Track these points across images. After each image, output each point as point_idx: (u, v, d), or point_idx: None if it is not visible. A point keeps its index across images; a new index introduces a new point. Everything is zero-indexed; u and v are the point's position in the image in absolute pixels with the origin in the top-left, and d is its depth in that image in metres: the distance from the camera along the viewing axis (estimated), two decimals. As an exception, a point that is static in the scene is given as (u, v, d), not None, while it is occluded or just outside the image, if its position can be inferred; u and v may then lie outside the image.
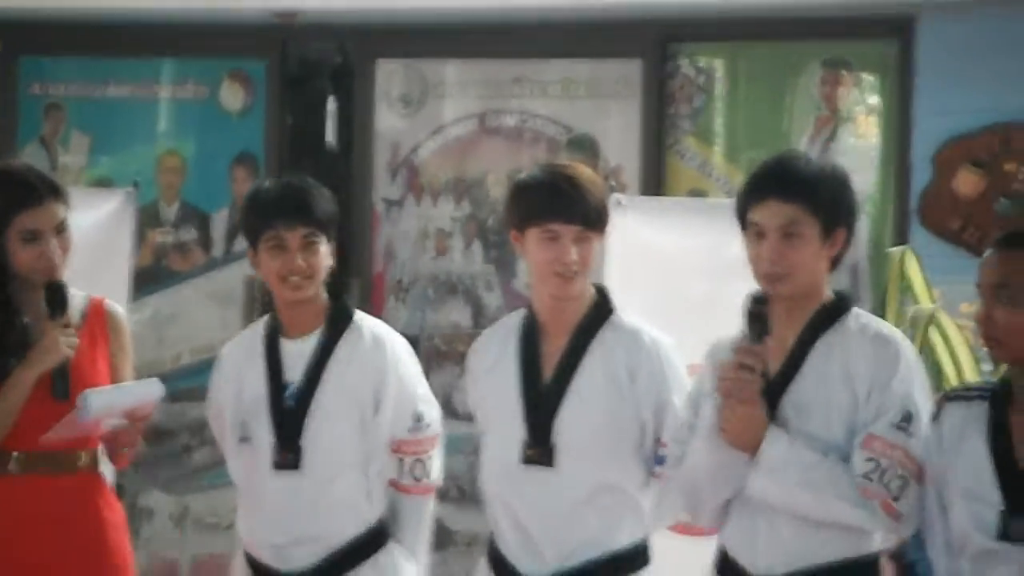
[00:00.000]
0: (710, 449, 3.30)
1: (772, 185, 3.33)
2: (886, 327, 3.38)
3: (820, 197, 3.32)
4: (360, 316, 3.94)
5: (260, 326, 3.98)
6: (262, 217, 3.85)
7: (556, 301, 3.70)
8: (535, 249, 3.65)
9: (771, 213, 3.31)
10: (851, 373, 3.30)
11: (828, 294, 3.39)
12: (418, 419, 3.89)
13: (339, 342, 3.88)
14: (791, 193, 3.30)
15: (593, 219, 3.64)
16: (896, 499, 3.26)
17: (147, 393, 3.84)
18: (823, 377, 3.31)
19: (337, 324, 3.89)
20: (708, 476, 3.32)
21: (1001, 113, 5.88)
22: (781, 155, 3.43)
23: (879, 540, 3.34)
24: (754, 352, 3.27)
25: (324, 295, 3.91)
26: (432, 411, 3.93)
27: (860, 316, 3.38)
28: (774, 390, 3.31)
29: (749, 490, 3.27)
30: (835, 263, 3.39)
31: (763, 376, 3.29)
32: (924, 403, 3.33)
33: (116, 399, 3.81)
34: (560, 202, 3.62)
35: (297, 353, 3.88)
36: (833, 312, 3.36)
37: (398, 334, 3.96)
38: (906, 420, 3.28)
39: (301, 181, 3.93)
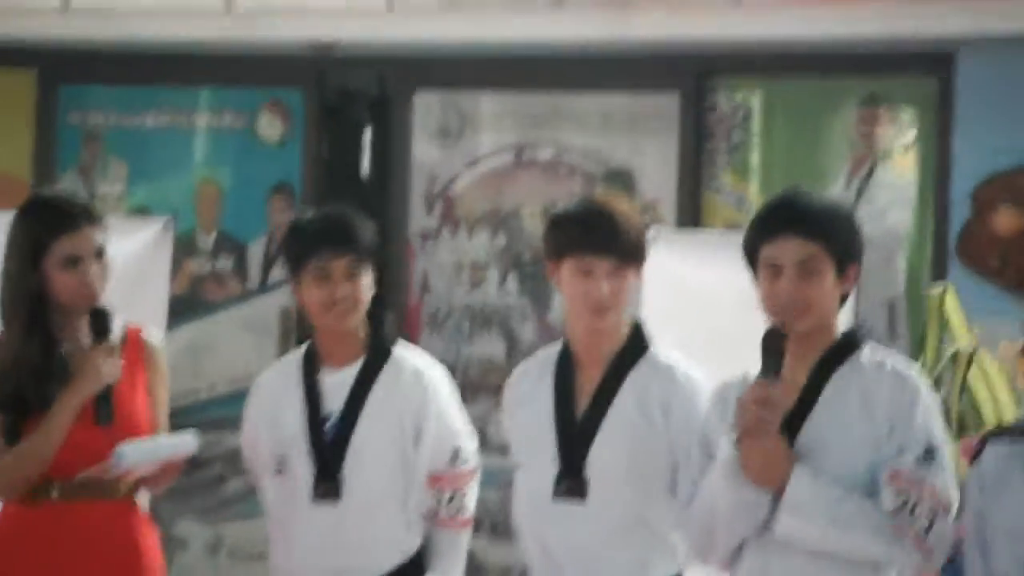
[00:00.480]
0: (729, 487, 3.27)
1: (789, 221, 3.33)
2: (901, 362, 3.38)
3: (836, 233, 3.33)
4: (400, 347, 3.93)
5: (297, 356, 3.98)
6: (307, 245, 3.86)
7: (591, 334, 3.69)
8: (569, 282, 3.65)
9: (789, 249, 3.30)
10: (870, 407, 3.29)
11: (838, 331, 3.38)
12: (456, 453, 3.89)
13: (379, 374, 3.88)
14: (808, 230, 3.30)
15: (628, 253, 3.64)
16: (926, 534, 3.24)
17: (181, 447, 3.86)
18: (840, 412, 3.30)
19: (377, 355, 3.89)
20: (725, 515, 3.29)
21: (1041, 150, 5.86)
22: (792, 192, 3.43)
23: (892, 573, 3.32)
24: (773, 386, 3.25)
25: (364, 326, 3.90)
26: (470, 445, 3.93)
27: (874, 352, 3.38)
28: (790, 426, 3.29)
29: (776, 531, 3.25)
30: (843, 300, 3.38)
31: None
32: (942, 436, 3.32)
33: (150, 453, 3.82)
34: (595, 236, 3.62)
35: (336, 384, 3.88)
36: (845, 348, 3.36)
37: (438, 365, 3.96)
38: (930, 454, 3.27)
39: (344, 211, 3.94)
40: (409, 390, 3.87)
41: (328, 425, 3.86)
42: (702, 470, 3.38)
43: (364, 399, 3.86)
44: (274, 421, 3.91)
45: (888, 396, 3.30)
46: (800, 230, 3.31)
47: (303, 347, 3.98)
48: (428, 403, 3.87)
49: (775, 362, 3.28)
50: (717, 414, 3.40)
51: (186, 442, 3.85)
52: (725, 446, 3.31)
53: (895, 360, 3.38)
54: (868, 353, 3.37)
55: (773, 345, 3.29)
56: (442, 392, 3.91)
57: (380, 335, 3.93)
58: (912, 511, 3.23)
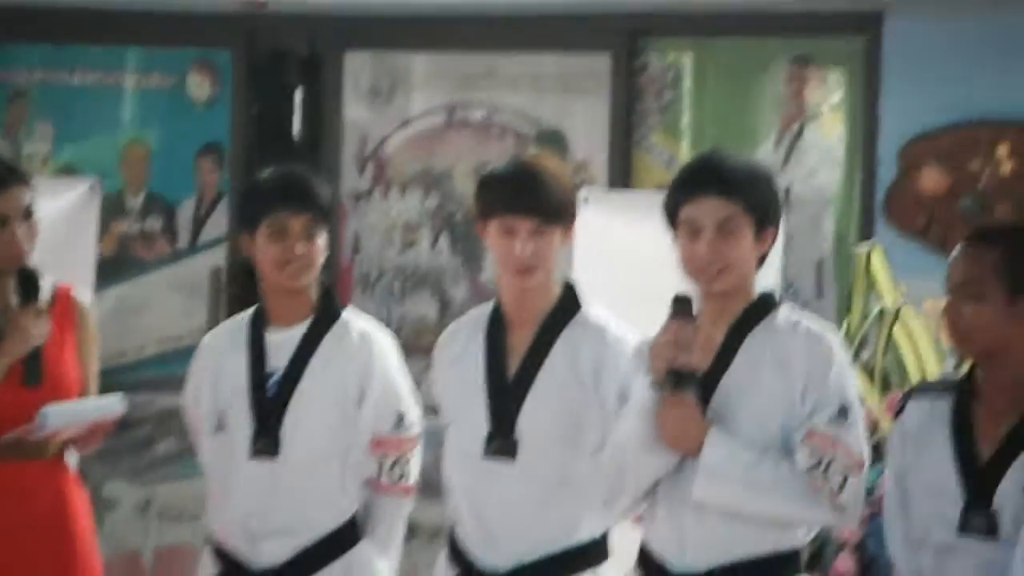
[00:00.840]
0: (643, 447, 3.29)
1: (709, 181, 3.34)
2: (815, 323, 3.40)
3: (756, 194, 3.35)
4: (349, 311, 3.93)
5: (245, 315, 3.96)
6: (265, 202, 3.83)
7: (520, 293, 3.70)
8: (495, 242, 3.66)
9: (709, 208, 3.32)
10: (784, 367, 3.32)
11: (754, 291, 3.40)
12: (400, 418, 3.88)
13: (326, 334, 3.87)
14: (728, 190, 3.32)
15: (552, 213, 3.64)
16: (839, 492, 3.27)
17: (107, 410, 3.84)
18: (754, 372, 3.33)
19: (326, 315, 3.88)
20: (635, 465, 3.32)
21: (967, 111, 5.90)
22: (712, 152, 3.45)
23: (802, 533, 3.37)
24: (684, 327, 3.26)
25: (314, 287, 3.89)
26: (415, 412, 3.92)
27: (789, 313, 3.40)
28: (705, 386, 3.32)
29: (693, 494, 3.27)
30: (761, 262, 3.41)
31: (693, 374, 3.28)
32: (855, 395, 3.36)
33: (75, 416, 3.81)
34: (518, 196, 3.63)
35: (282, 342, 3.87)
36: (762, 309, 3.38)
37: (386, 332, 3.95)
38: (843, 414, 3.30)
39: (303, 170, 3.92)
40: (355, 351, 3.86)
41: (271, 382, 3.85)
42: (617, 417, 3.40)
43: (309, 358, 3.85)
44: (217, 377, 3.90)
45: (802, 356, 3.32)
46: (720, 190, 3.32)
47: (252, 308, 3.96)
48: (373, 365, 3.86)
49: (684, 320, 3.30)
50: (636, 370, 3.41)
51: (112, 405, 3.84)
52: (638, 391, 3.33)
53: (810, 321, 3.40)
54: (784, 314, 3.39)
55: (681, 309, 3.30)
56: (388, 357, 3.90)
57: (330, 296, 3.92)
58: (826, 470, 3.27)
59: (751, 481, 3.25)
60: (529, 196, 3.62)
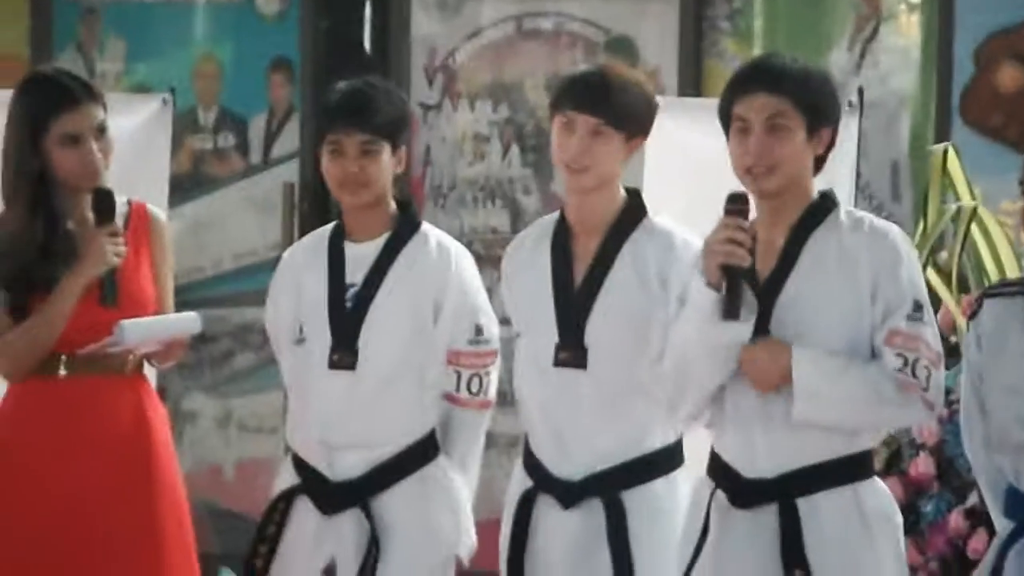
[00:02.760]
0: (704, 354, 3.27)
1: (758, 78, 3.31)
2: (879, 220, 3.37)
3: (806, 91, 3.30)
4: (427, 225, 3.92)
5: (326, 230, 3.96)
6: (324, 120, 3.84)
7: (581, 199, 3.67)
8: (554, 138, 3.65)
9: (758, 105, 3.28)
10: (850, 266, 3.29)
11: (813, 193, 3.36)
12: (478, 332, 3.85)
13: (404, 248, 3.86)
14: (777, 85, 3.28)
15: (611, 115, 3.60)
16: (926, 389, 3.26)
17: (184, 327, 3.87)
18: (821, 272, 3.30)
19: (403, 231, 3.87)
20: (697, 366, 3.30)
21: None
22: (767, 54, 3.41)
23: (872, 437, 3.36)
24: (740, 224, 3.24)
25: (391, 201, 3.88)
26: (492, 326, 3.89)
27: (851, 212, 3.37)
28: (768, 290, 3.29)
29: (794, 417, 3.25)
30: (819, 164, 3.36)
31: (753, 276, 3.25)
32: (925, 290, 3.33)
33: (152, 332, 3.83)
34: (580, 92, 3.60)
35: (361, 256, 3.86)
36: (821, 210, 3.34)
37: (462, 246, 3.94)
38: (918, 310, 3.27)
39: (369, 85, 3.87)
40: (433, 265, 3.85)
41: (349, 295, 3.85)
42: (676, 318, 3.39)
43: (386, 271, 3.84)
44: (297, 291, 3.90)
45: (869, 254, 3.29)
46: (767, 86, 3.28)
47: (332, 222, 3.96)
48: (451, 278, 3.85)
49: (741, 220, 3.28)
50: (693, 272, 3.39)
51: (190, 321, 3.87)
52: (695, 290, 3.31)
53: (872, 217, 3.37)
54: (846, 212, 3.35)
55: (735, 208, 3.27)
56: (466, 270, 3.88)
57: (409, 210, 3.91)
58: (914, 368, 3.25)
59: (849, 394, 3.23)
60: (594, 93, 3.59)
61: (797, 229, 3.33)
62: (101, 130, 3.83)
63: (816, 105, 3.32)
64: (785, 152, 3.29)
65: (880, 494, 3.34)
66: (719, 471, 3.36)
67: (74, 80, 3.86)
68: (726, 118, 3.35)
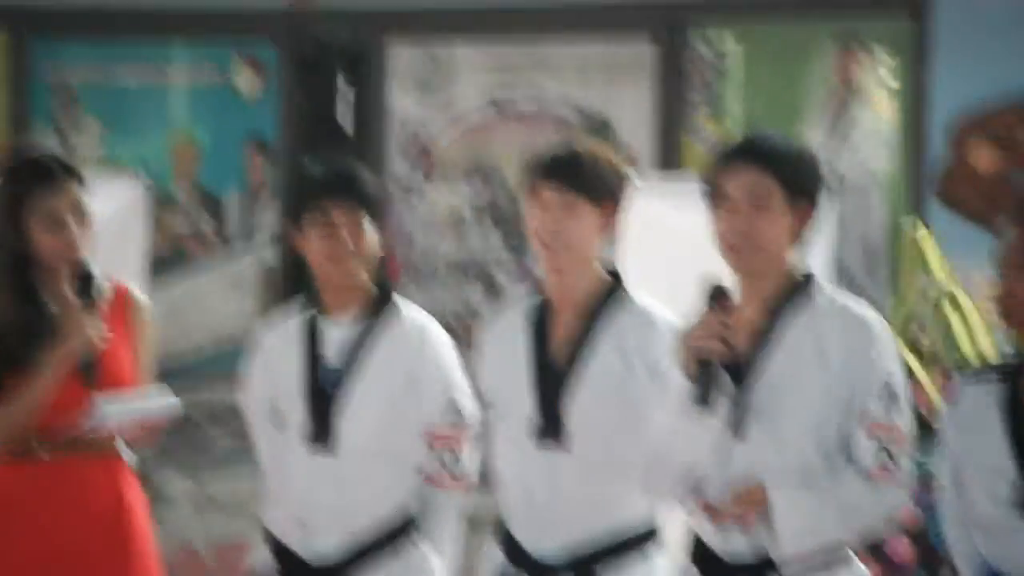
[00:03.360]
0: (684, 448, 3.27)
1: (742, 154, 3.32)
2: (854, 301, 3.36)
3: (789, 168, 3.31)
4: (402, 302, 3.90)
5: (296, 308, 3.95)
6: (312, 196, 3.81)
7: (559, 277, 3.67)
8: (528, 216, 3.65)
9: (741, 182, 3.29)
10: (824, 347, 3.28)
11: (793, 271, 3.36)
12: (453, 406, 3.84)
13: (380, 327, 3.85)
14: (760, 162, 3.29)
15: (582, 185, 3.60)
16: (902, 473, 3.28)
17: (162, 407, 3.85)
18: (795, 355, 3.29)
19: (379, 309, 3.86)
20: (676, 464, 3.30)
21: (1018, 88, 5.86)
22: (754, 130, 3.42)
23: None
24: (716, 317, 3.23)
25: (365, 278, 3.88)
26: (468, 403, 3.88)
27: (827, 292, 3.36)
28: (744, 369, 3.28)
29: (778, 555, 3.23)
30: (799, 241, 3.36)
31: (719, 366, 3.25)
32: (899, 374, 3.33)
33: (130, 410, 3.82)
34: (552, 167, 3.61)
35: (338, 334, 3.85)
36: (800, 290, 3.34)
37: (438, 324, 3.93)
38: (893, 395, 3.27)
39: (350, 162, 3.90)
40: (408, 343, 3.84)
41: (325, 375, 3.83)
42: (659, 403, 3.39)
43: (362, 351, 3.83)
44: (273, 371, 3.89)
45: (842, 337, 3.29)
46: (753, 162, 3.29)
47: (303, 299, 3.94)
48: (427, 355, 3.84)
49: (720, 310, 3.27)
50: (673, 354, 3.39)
51: (167, 404, 3.85)
52: (677, 384, 3.29)
53: (848, 299, 3.36)
54: (824, 295, 3.35)
55: (719, 299, 3.26)
56: (441, 347, 3.87)
57: (384, 287, 3.90)
58: (891, 454, 3.25)
59: (830, 521, 3.23)
60: (564, 167, 3.60)
61: (774, 308, 3.33)
62: (81, 210, 3.83)
63: (801, 183, 3.32)
64: (769, 229, 3.29)
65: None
66: (700, 556, 3.35)
67: (54, 160, 3.87)
68: (709, 193, 3.36)
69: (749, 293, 3.33)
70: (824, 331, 3.30)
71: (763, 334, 3.31)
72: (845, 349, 3.28)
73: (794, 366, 3.29)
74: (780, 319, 3.31)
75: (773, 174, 3.29)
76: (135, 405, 3.84)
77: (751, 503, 3.24)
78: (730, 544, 3.30)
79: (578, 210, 3.61)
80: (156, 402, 3.86)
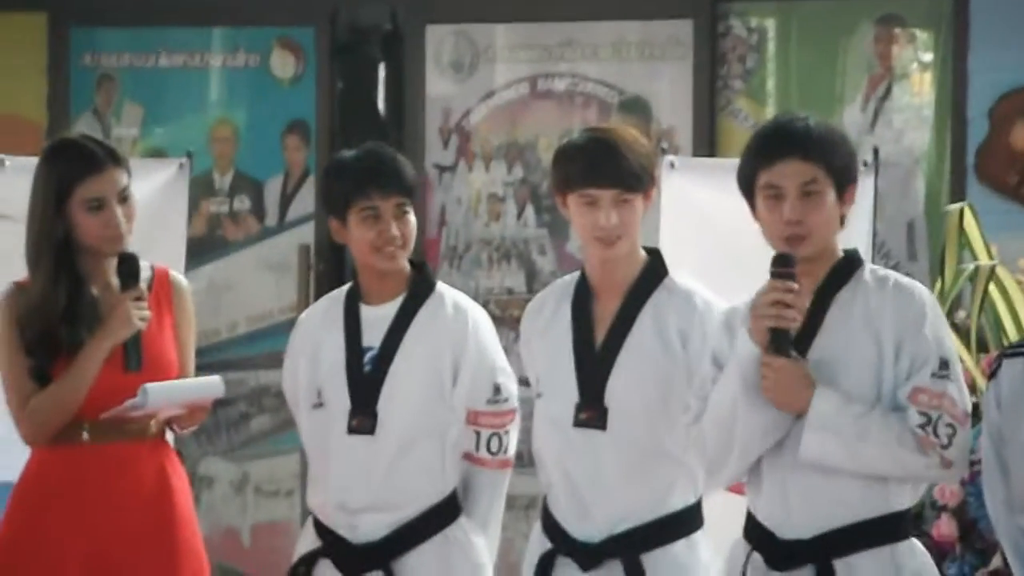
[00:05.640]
0: (750, 409, 3.27)
1: (789, 145, 3.31)
2: (904, 278, 3.37)
3: (835, 155, 3.32)
4: (442, 286, 3.91)
5: (340, 292, 3.95)
6: (355, 185, 3.80)
7: (605, 263, 3.68)
8: (576, 214, 3.64)
9: (791, 172, 3.29)
10: (875, 324, 3.29)
11: (839, 252, 3.38)
12: (496, 391, 3.84)
13: (420, 309, 3.85)
14: (808, 151, 3.30)
15: (632, 181, 3.62)
16: (946, 448, 3.25)
17: (207, 391, 3.86)
18: (846, 331, 3.30)
19: (419, 292, 3.86)
20: (743, 435, 3.29)
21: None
22: (785, 116, 3.42)
23: (909, 495, 3.33)
24: (788, 287, 3.24)
25: (407, 264, 3.88)
26: (511, 385, 3.88)
27: (875, 270, 3.38)
28: (797, 351, 3.29)
29: (801, 452, 3.25)
30: (842, 222, 3.38)
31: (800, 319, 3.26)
32: (952, 346, 3.34)
33: (176, 395, 3.83)
34: (597, 167, 3.60)
35: (377, 319, 3.85)
36: (847, 269, 3.36)
37: (479, 306, 3.93)
38: (944, 367, 3.27)
39: (386, 149, 3.89)
40: (450, 325, 3.84)
41: (366, 359, 3.84)
42: (714, 383, 3.38)
43: (404, 333, 3.83)
44: (314, 354, 3.89)
45: (894, 312, 3.30)
46: (800, 153, 3.30)
47: (348, 284, 3.95)
48: (468, 338, 3.84)
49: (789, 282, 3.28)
50: (725, 338, 3.40)
51: (213, 385, 3.86)
52: (741, 349, 3.30)
53: (898, 276, 3.38)
54: (871, 271, 3.37)
55: (784, 271, 3.28)
56: (483, 329, 3.88)
57: (424, 271, 3.91)
58: (935, 426, 3.24)
59: (861, 432, 3.22)
60: (609, 166, 3.60)
61: (823, 289, 3.34)
62: (125, 195, 3.84)
63: (844, 167, 3.34)
64: (820, 216, 3.31)
65: (917, 555, 3.33)
66: (754, 533, 3.35)
67: (98, 145, 3.88)
68: (750, 184, 3.36)
69: (800, 277, 3.32)
70: (874, 307, 3.31)
71: (813, 314, 3.31)
72: (897, 324, 3.29)
73: (847, 342, 3.30)
74: (829, 299, 3.32)
75: (819, 162, 3.30)
76: (181, 388, 3.86)
77: (799, 392, 3.21)
78: (787, 522, 3.29)
79: (630, 203, 3.63)
80: (201, 384, 3.88)
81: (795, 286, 3.27)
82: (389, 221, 3.80)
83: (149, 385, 3.76)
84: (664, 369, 3.63)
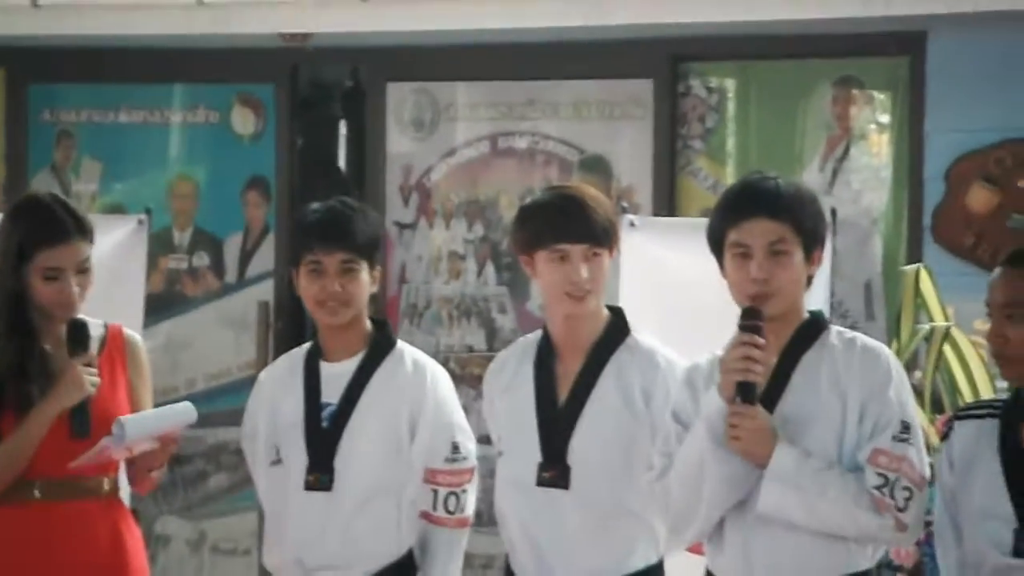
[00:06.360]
0: (718, 463, 3.28)
1: (757, 204, 3.33)
2: (870, 340, 3.39)
3: (803, 215, 3.35)
4: (402, 344, 3.93)
5: (301, 350, 3.97)
6: (303, 240, 3.86)
7: (570, 321, 3.69)
8: (546, 271, 3.65)
9: (758, 231, 3.31)
10: (842, 386, 3.31)
11: (804, 313, 3.39)
12: (455, 449, 3.85)
13: (379, 367, 3.87)
14: (777, 211, 3.32)
15: (601, 236, 3.64)
16: (902, 511, 3.26)
17: (180, 417, 3.84)
18: (813, 392, 3.31)
19: (379, 349, 3.88)
20: (710, 489, 3.30)
21: (1013, 129, 5.88)
22: (756, 175, 3.43)
23: (871, 555, 3.34)
24: (753, 340, 3.25)
25: (366, 320, 3.90)
26: (469, 443, 3.89)
27: (842, 332, 3.40)
28: (763, 407, 3.29)
29: (759, 504, 3.25)
30: (809, 282, 3.40)
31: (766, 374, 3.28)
32: (914, 411, 3.35)
33: (150, 424, 3.81)
34: (567, 222, 3.63)
35: (336, 375, 3.87)
36: (813, 330, 3.37)
37: (439, 364, 3.94)
38: (906, 430, 3.29)
39: (346, 205, 3.90)
40: (409, 382, 3.85)
41: (324, 415, 3.84)
42: (678, 440, 3.38)
43: (362, 390, 3.84)
44: (273, 411, 3.90)
45: (860, 374, 3.32)
46: (769, 212, 3.32)
47: (308, 342, 3.96)
48: (426, 396, 3.85)
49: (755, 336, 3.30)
50: (687, 395, 3.41)
51: (185, 411, 3.84)
52: (709, 404, 3.30)
53: (864, 338, 3.39)
54: (836, 332, 3.38)
55: (751, 324, 3.29)
56: (442, 387, 3.89)
57: (385, 329, 3.92)
58: (892, 488, 3.25)
59: (819, 488, 3.23)
60: (579, 220, 3.63)
61: (789, 349, 3.35)
62: (84, 267, 3.82)
63: (812, 227, 3.36)
64: (786, 276, 3.32)
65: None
66: None
67: (68, 214, 3.83)
68: (718, 242, 3.37)
69: (766, 336, 3.33)
70: (839, 368, 3.33)
71: (779, 374, 3.33)
72: (862, 386, 3.31)
73: (811, 402, 3.31)
74: (796, 359, 3.34)
75: (788, 222, 3.32)
76: (155, 416, 3.83)
77: (761, 444, 3.22)
78: None
79: (598, 258, 3.65)
80: (174, 411, 3.85)
81: (762, 341, 3.28)
82: (332, 277, 3.81)
83: (124, 417, 3.74)
84: (627, 428, 3.63)
